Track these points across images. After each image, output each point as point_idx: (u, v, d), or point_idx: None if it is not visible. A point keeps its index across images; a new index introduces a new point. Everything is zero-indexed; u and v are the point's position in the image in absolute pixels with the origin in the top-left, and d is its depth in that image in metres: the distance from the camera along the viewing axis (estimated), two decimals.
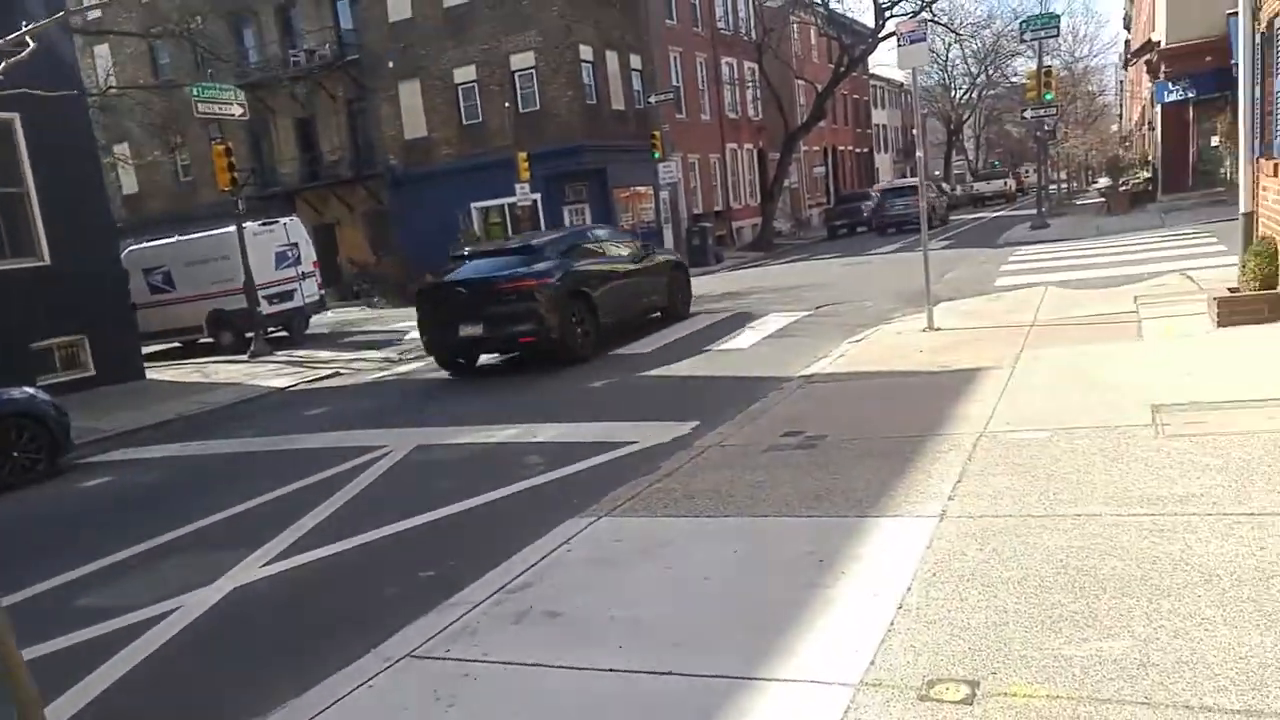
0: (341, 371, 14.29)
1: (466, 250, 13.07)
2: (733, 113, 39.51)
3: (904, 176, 52.20)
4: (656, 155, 27.88)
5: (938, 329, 9.60)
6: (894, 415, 6.48)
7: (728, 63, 39.03)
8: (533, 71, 29.11)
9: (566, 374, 10.97)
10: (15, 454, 8.92)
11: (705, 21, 37.39)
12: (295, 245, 19.41)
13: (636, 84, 31.73)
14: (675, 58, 34.88)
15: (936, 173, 57.75)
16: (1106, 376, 6.47)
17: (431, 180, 29.89)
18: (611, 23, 30.40)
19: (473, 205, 29.96)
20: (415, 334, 17.79)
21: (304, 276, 19.50)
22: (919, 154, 11.30)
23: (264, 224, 19.00)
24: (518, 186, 26.35)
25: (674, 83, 33.98)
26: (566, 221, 29.63)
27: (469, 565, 4.83)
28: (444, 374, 12.36)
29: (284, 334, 19.76)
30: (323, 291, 20.85)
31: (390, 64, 30.64)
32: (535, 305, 11.10)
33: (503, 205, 29.56)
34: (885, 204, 32.53)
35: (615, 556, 4.58)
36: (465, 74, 30.09)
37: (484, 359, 12.46)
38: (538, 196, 27.96)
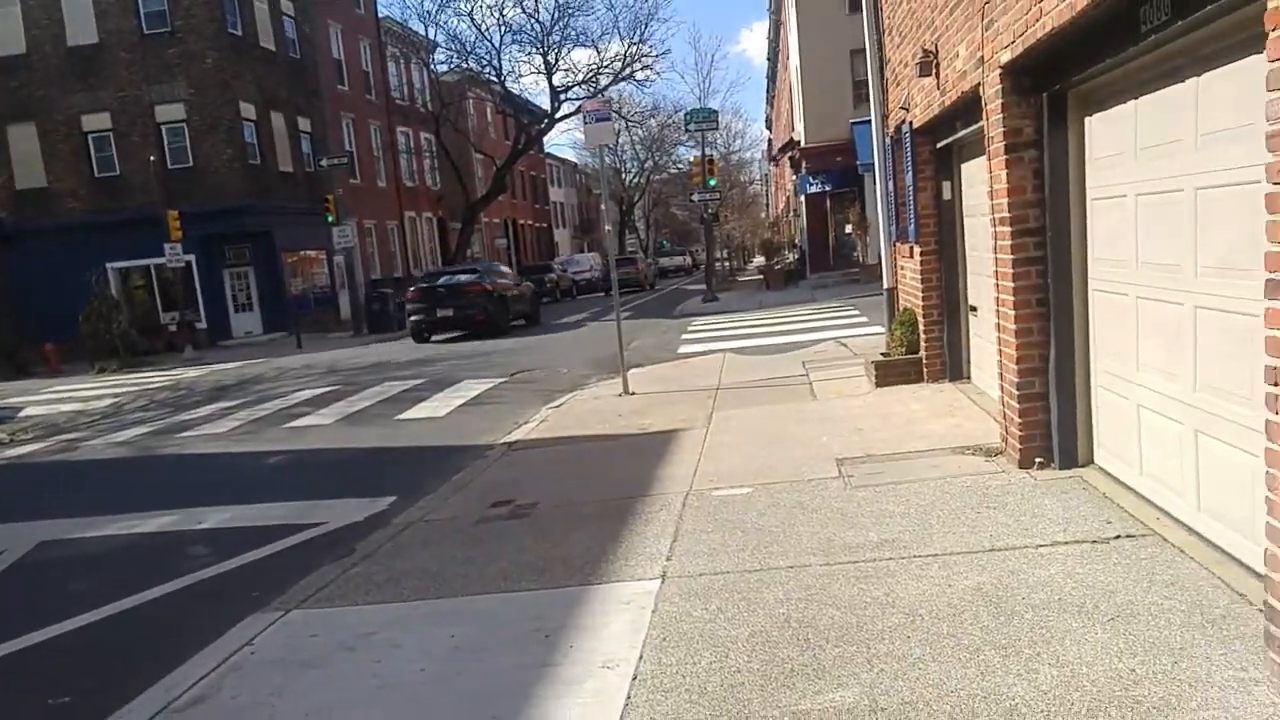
0: None
1: (432, 270, 25.65)
2: (410, 181, 39.03)
3: (583, 251, 54.43)
4: (331, 219, 26.60)
5: (632, 393, 9.85)
6: (603, 478, 6.43)
7: (403, 131, 38.60)
8: (184, 125, 26.75)
9: (231, 452, 9.82)
10: None
11: (379, 90, 36.76)
12: None
13: (306, 146, 30.27)
14: (348, 123, 33.86)
15: (632, 248, 60.75)
16: (793, 433, 6.93)
17: (53, 236, 26.12)
18: (276, 82, 28.85)
19: (109, 265, 26.53)
20: (31, 410, 15.27)
21: None
22: (607, 227, 11.93)
23: None
24: (167, 247, 23.77)
25: (347, 147, 32.87)
26: (226, 285, 27.39)
27: (120, 684, 3.95)
28: (77, 455, 10.60)
29: None
30: None
31: None
32: (483, 299, 20.28)
33: (148, 266, 26.58)
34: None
35: (311, 655, 3.98)
36: (97, 121, 26.90)
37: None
38: (191, 258, 25.46)
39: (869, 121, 9.43)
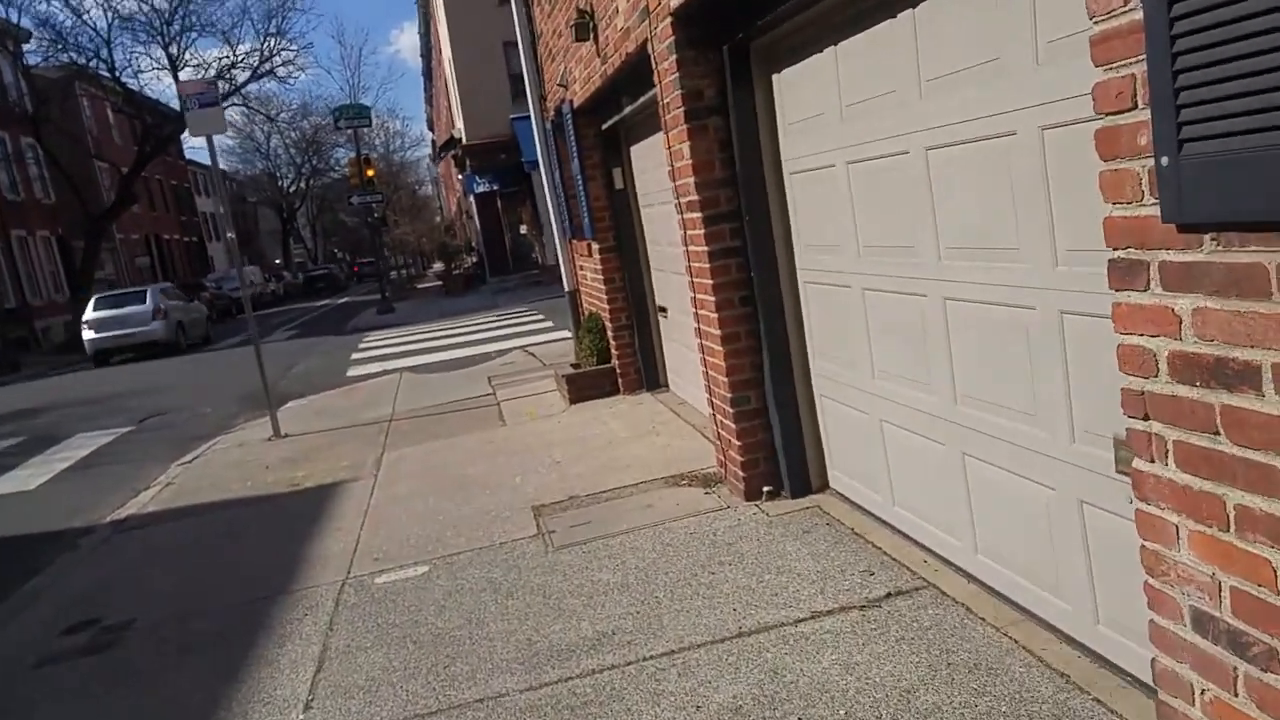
0: None
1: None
2: (15, 194, 32.63)
3: (244, 265, 49.20)
4: None
5: (286, 435, 8.16)
6: (234, 568, 4.85)
7: None
8: None
9: None
10: None
11: None
12: None
13: None
14: None
15: (278, 260, 56.10)
16: (480, 474, 5.74)
17: None
18: None
19: None
20: None
21: None
22: (229, 235, 9.89)
23: None
24: None
25: None
26: None
27: None
28: None
29: None
30: None
31: None
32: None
33: None
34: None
35: None
36: None
37: None
38: None
39: (528, 117, 8.42)
